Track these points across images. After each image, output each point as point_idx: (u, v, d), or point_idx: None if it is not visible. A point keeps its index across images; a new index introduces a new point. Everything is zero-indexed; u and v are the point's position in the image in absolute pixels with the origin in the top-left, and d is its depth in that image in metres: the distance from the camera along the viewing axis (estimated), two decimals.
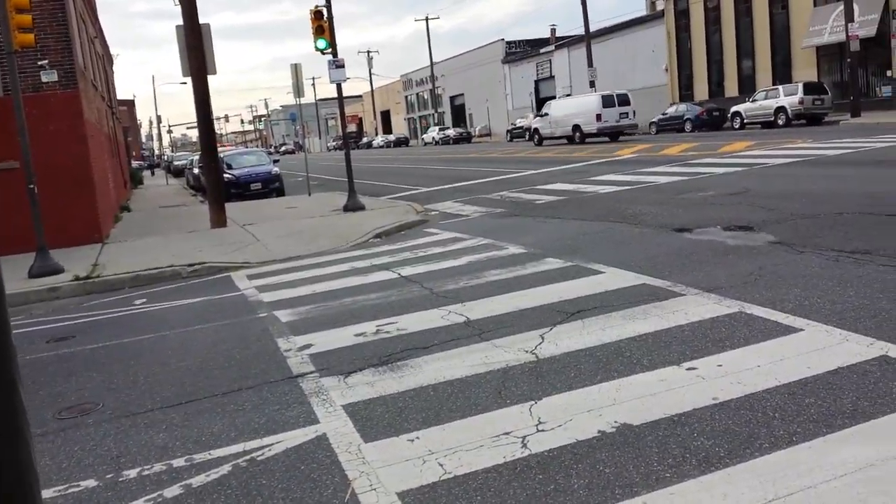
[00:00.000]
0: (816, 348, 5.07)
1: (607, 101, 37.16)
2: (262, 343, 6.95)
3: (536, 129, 41.46)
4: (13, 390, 0.85)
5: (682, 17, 47.95)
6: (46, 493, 4.26)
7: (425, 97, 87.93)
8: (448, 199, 18.24)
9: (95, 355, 7.27)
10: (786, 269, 7.31)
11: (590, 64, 49.84)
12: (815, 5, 38.31)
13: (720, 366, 4.96)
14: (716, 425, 4.09)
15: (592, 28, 51.79)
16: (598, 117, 36.84)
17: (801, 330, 5.48)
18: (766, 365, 4.87)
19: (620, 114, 37.19)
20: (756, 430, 3.98)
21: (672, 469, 3.67)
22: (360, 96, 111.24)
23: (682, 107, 41.29)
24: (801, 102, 32.83)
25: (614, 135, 37.46)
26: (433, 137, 71.78)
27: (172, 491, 4.11)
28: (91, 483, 4.35)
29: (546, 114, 41.12)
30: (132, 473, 4.40)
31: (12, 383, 0.85)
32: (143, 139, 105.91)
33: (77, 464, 4.65)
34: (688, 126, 39.01)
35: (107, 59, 35.75)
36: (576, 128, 38.04)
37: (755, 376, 4.70)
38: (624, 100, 37.57)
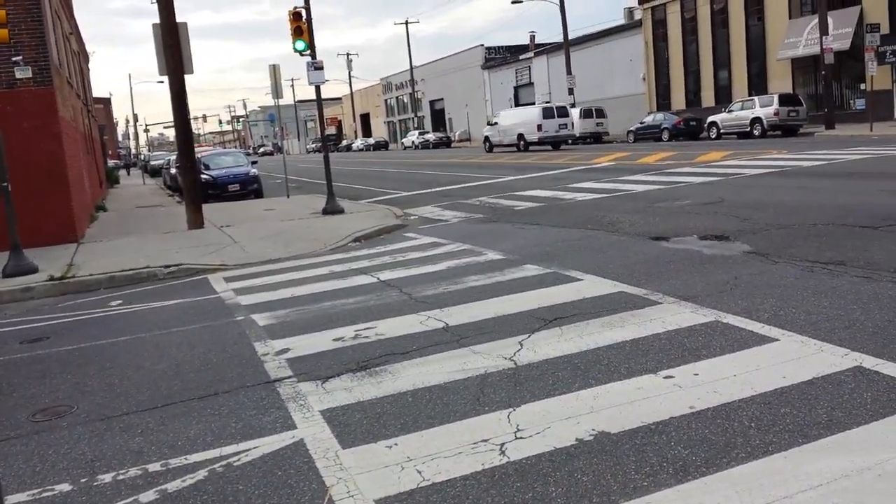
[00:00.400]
0: (792, 358, 5.14)
1: (547, 113, 40.39)
2: (239, 347, 6.91)
3: (487, 137, 44.19)
4: None
5: (660, 26, 48.41)
6: (20, 497, 4.20)
7: (405, 101, 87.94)
8: (428, 204, 18.24)
9: (70, 357, 7.18)
10: (761, 279, 7.40)
11: (568, 71, 50.15)
12: (790, 18, 38.87)
13: (697, 374, 5.00)
14: (693, 434, 4.12)
15: (571, 36, 52.15)
16: (539, 127, 40.05)
17: (777, 340, 5.55)
18: (742, 374, 4.92)
19: (560, 125, 40.29)
20: (732, 439, 4.02)
21: (649, 478, 3.70)
22: (339, 99, 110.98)
23: (660, 116, 41.67)
24: (776, 114, 33.27)
25: (556, 144, 40.58)
26: (413, 141, 71.81)
27: (148, 496, 4.06)
28: (65, 487, 4.29)
29: (496, 123, 43.71)
30: (107, 478, 4.35)
31: None
32: (120, 138, 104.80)
33: (51, 467, 4.58)
34: (665, 135, 39.38)
35: (83, 57, 35.35)
36: (520, 136, 41.01)
37: (731, 385, 4.75)
38: (563, 112, 40.69)
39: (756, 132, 33.95)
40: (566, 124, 39.76)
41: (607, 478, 3.74)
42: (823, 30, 32.96)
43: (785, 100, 34.02)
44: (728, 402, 4.50)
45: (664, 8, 47.75)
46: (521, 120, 41.13)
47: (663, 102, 47.75)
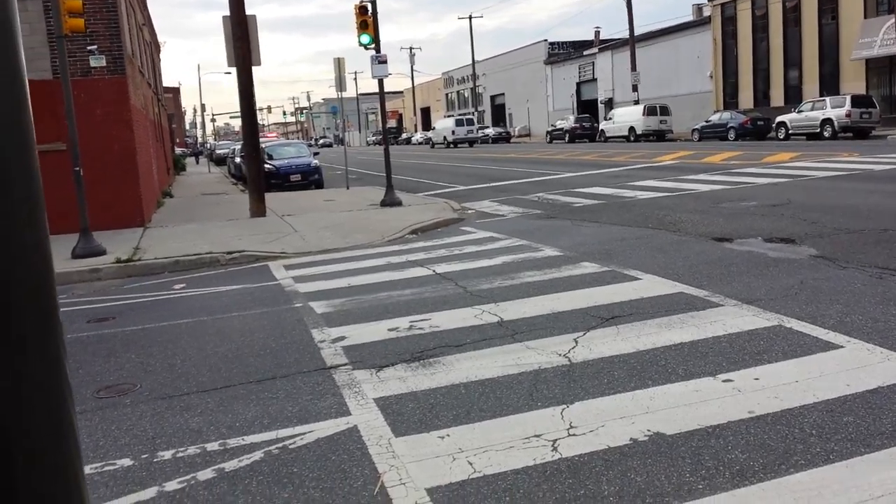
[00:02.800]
0: (857, 366, 4.98)
1: (651, 111, 44.89)
2: (297, 333, 7.02)
3: (603, 130, 49.29)
4: (59, 367, 0.88)
5: (729, 23, 47.29)
6: (84, 470, 4.36)
7: (466, 95, 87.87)
8: (485, 199, 18.22)
9: (134, 337, 7.41)
10: (827, 284, 7.19)
11: (633, 68, 49.42)
12: (865, 17, 37.53)
13: (757, 379, 4.90)
14: (751, 439, 4.04)
15: (637, 32, 51.33)
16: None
17: (842, 346, 5.39)
18: (804, 380, 4.80)
19: (660, 121, 44.78)
20: (792, 445, 3.92)
21: (705, 481, 3.64)
22: (400, 92, 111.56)
23: (726, 115, 40.72)
24: (848, 115, 32.17)
25: (660, 136, 44.74)
26: None
27: (205, 474, 4.17)
28: (126, 462, 4.43)
29: (611, 118, 48.74)
30: (167, 455, 4.48)
31: (58, 360, 0.88)
32: (188, 127, 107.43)
33: (114, 443, 4.74)
34: (731, 134, 38.48)
35: (154, 47, 36.32)
36: (631, 129, 45.53)
37: (793, 391, 4.63)
38: (665, 111, 45.12)
39: (826, 133, 32.91)
40: (665, 120, 45.08)
41: (661, 479, 3.69)
42: None
43: (858, 101, 32.87)
44: (789, 408, 4.39)
45: (734, 5, 46.62)
46: (630, 117, 46.15)
47: (730, 101, 46.67)
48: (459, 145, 59.73)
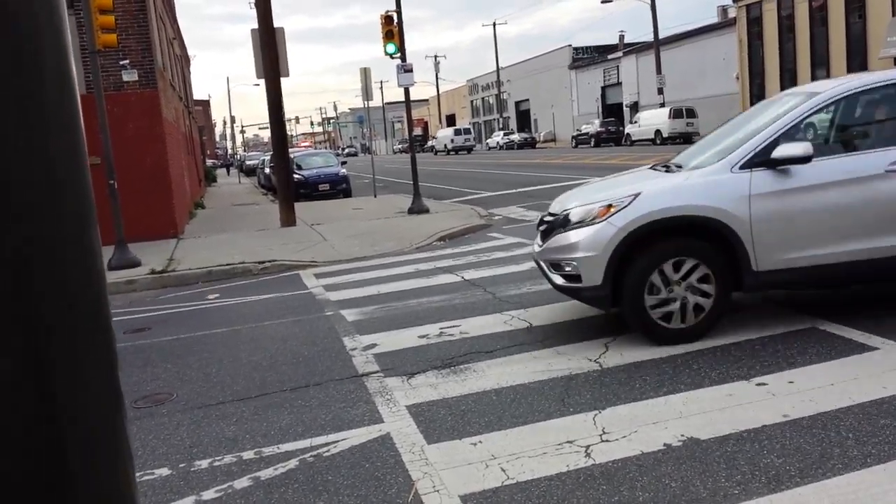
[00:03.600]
0: (893, 368, 4.92)
1: (677, 114, 45.15)
2: (329, 341, 7.09)
3: (629, 134, 49.61)
4: (113, 373, 0.92)
5: (755, 24, 46.84)
6: None
7: (490, 102, 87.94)
8: (512, 205, 18.23)
9: (170, 347, 7.52)
10: (861, 286, 7.10)
11: (658, 71, 49.15)
12: (893, 15, 36.98)
13: (791, 382, 4.86)
14: (786, 443, 4.01)
15: (661, 35, 51.06)
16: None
17: (878, 349, 5.33)
18: (839, 383, 4.75)
19: (686, 123, 44.71)
20: (829, 449, 3.89)
21: (740, 486, 3.62)
22: (426, 100, 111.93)
23: None
24: None
25: (686, 138, 44.10)
26: (497, 142, 71.69)
27: (242, 483, 4.23)
28: (164, 471, 4.51)
29: (637, 122, 49.05)
30: (203, 464, 4.55)
31: (112, 365, 0.92)
32: (218, 138, 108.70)
33: (151, 452, 4.82)
34: None
35: (184, 60, 36.84)
36: (657, 132, 45.81)
37: (828, 394, 4.59)
38: (691, 113, 45.47)
39: None
40: (692, 123, 45.37)
41: (696, 484, 3.68)
42: None
43: None
44: (824, 411, 4.35)
45: (760, 6, 46.18)
46: (656, 120, 46.82)
47: (757, 102, 46.23)
48: (460, 152, 67.90)
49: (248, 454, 4.62)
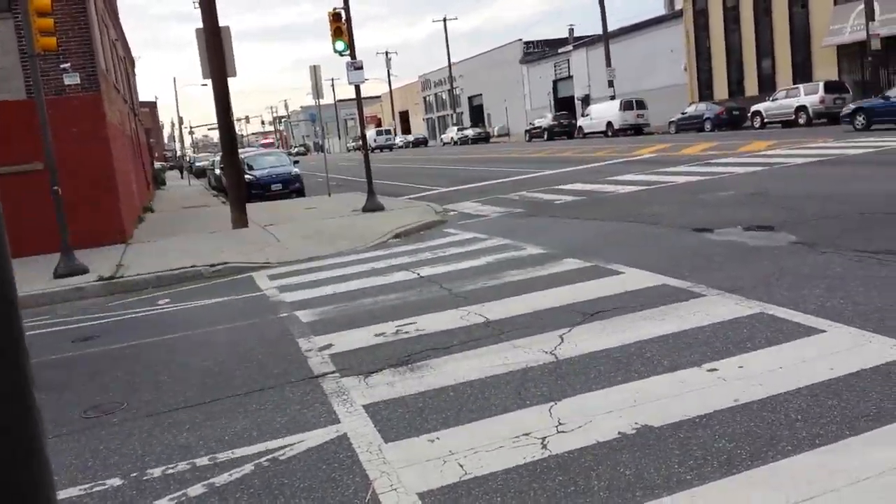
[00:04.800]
0: (839, 350, 5.04)
1: (627, 106, 45.38)
2: (284, 343, 7.01)
3: (581, 126, 49.74)
4: (27, 393, 0.86)
5: (701, 16, 47.61)
6: (72, 492, 4.33)
7: (444, 97, 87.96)
8: (467, 200, 18.25)
9: (120, 355, 7.36)
10: (808, 270, 7.27)
11: (608, 64, 49.72)
12: (835, 4, 37.90)
13: (741, 367, 4.94)
14: (737, 427, 4.07)
15: (611, 28, 51.69)
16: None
17: (824, 331, 5.45)
18: (788, 366, 4.85)
19: (637, 114, 45.13)
20: (778, 432, 3.96)
21: (693, 471, 3.67)
22: (378, 97, 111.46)
23: (702, 106, 41.01)
24: (821, 101, 32.50)
25: (637, 130, 45.47)
26: (452, 138, 71.80)
27: (196, 490, 4.16)
28: (116, 482, 4.41)
29: (588, 115, 49.01)
30: (156, 472, 4.46)
31: (26, 386, 0.86)
32: (166, 140, 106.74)
33: (102, 462, 4.71)
34: (707, 125, 38.75)
35: (129, 62, 36.09)
36: (608, 124, 45.87)
37: (777, 378, 4.68)
38: (641, 105, 45.69)
39: (801, 121, 33.22)
40: (642, 114, 45.58)
41: (650, 471, 3.72)
42: (870, 15, 32.09)
43: (831, 87, 33.22)
44: (774, 394, 4.44)
45: None
46: (607, 112, 46.83)
47: (705, 92, 46.98)
48: (384, 150, 75.13)
49: (201, 461, 4.54)
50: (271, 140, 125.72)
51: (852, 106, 27.42)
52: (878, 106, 25.92)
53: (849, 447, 3.71)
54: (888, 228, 8.77)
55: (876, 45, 31.83)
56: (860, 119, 26.09)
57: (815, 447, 3.75)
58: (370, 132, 76.57)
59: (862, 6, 33.24)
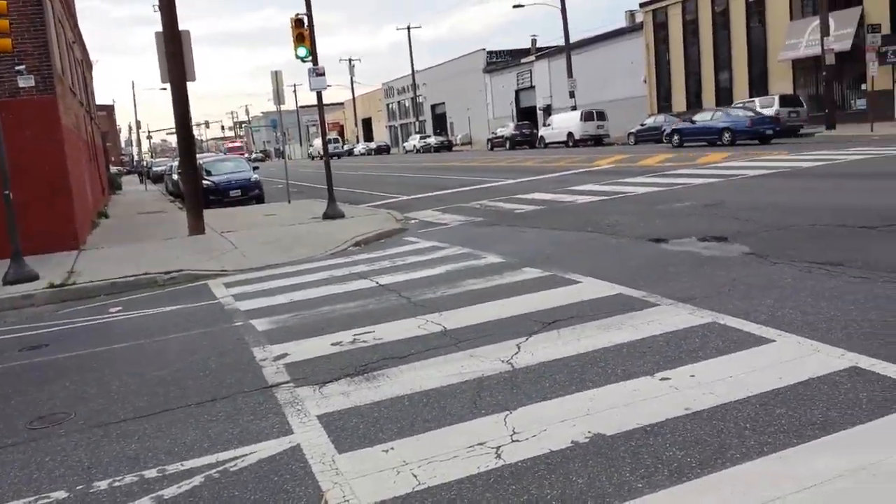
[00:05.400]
0: (788, 359, 5.13)
1: (588, 116, 45.56)
2: (238, 352, 6.92)
3: (542, 136, 49.82)
4: None
5: (661, 29, 48.40)
6: None
7: (407, 105, 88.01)
8: (428, 208, 18.26)
9: (69, 364, 7.19)
10: (759, 280, 7.39)
11: (570, 74, 50.19)
12: (791, 19, 38.84)
13: (693, 376, 5.00)
14: (688, 435, 4.12)
15: (573, 39, 52.18)
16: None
17: (773, 341, 5.55)
18: (738, 375, 4.92)
19: (597, 125, 45.48)
20: (728, 440, 4.02)
21: (644, 479, 3.70)
22: (341, 104, 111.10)
23: (661, 118, 41.60)
24: (777, 115, 33.21)
25: (597, 140, 45.95)
26: (414, 145, 71.85)
27: (143, 503, 4.07)
28: (61, 495, 4.29)
29: (549, 125, 49.65)
30: (103, 485, 4.36)
31: None
32: (123, 144, 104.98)
33: (48, 475, 4.59)
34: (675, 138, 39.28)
35: (86, 65, 35.45)
36: (569, 135, 46.09)
37: (727, 386, 4.74)
38: (601, 116, 45.86)
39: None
40: (603, 125, 45.89)
41: (602, 480, 3.74)
42: (824, 31, 32.92)
43: (786, 101, 33.96)
44: (724, 403, 4.50)
45: (665, 11, 47.75)
46: (568, 122, 47.06)
47: (664, 104, 47.72)
48: (333, 157, 79.67)
49: (150, 473, 4.44)
50: (239, 144, 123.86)
51: (669, 129, 34.95)
52: (686, 129, 33.37)
53: (796, 455, 3.77)
54: (838, 240, 8.98)
55: (830, 59, 32.64)
56: (676, 138, 33.61)
57: (763, 455, 3.81)
58: (318, 141, 77.73)
59: (817, 22, 34.09)
